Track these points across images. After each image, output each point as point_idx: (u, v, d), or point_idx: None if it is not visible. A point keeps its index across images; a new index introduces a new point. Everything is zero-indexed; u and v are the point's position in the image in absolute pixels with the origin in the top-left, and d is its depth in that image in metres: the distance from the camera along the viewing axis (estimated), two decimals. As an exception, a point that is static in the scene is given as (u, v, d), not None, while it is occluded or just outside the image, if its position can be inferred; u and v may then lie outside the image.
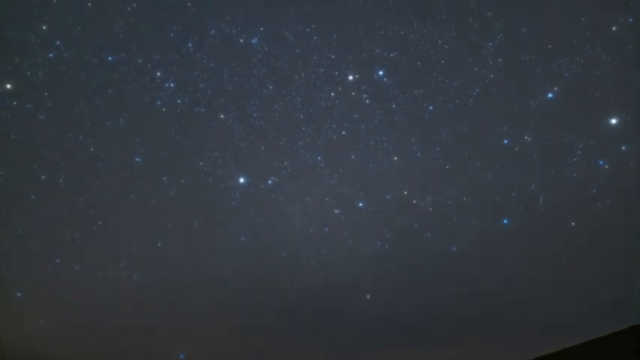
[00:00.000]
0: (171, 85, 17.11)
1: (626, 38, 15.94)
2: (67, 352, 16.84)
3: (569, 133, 17.04)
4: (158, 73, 17.00)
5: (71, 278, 17.41)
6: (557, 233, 17.23)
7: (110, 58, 16.83)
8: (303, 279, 18.09)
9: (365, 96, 17.22)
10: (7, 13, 16.16)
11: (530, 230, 17.51)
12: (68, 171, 17.46)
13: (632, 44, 15.91)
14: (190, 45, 16.82)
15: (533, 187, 17.50)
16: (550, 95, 16.67)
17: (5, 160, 17.22)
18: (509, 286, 17.32)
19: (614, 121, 16.26)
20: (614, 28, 15.93)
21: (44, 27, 16.32)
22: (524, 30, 16.37)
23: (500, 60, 16.61)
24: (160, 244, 17.94)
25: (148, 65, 16.92)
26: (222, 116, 17.47)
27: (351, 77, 17.03)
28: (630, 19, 15.79)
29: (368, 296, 18.02)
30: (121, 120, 17.36)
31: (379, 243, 18.14)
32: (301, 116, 17.53)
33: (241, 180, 17.83)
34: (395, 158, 17.80)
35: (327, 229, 18.15)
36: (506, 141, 17.18)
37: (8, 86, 16.60)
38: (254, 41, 16.81)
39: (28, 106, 16.87)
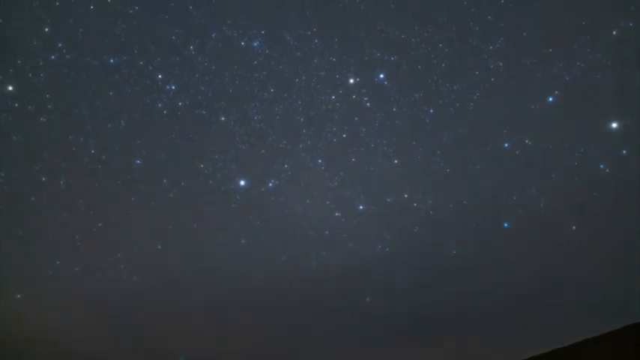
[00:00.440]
0: (173, 87, 17.32)
1: (627, 42, 16.13)
2: (66, 352, 17.01)
3: (570, 137, 17.22)
4: (159, 76, 17.22)
5: (71, 280, 17.62)
6: (558, 237, 17.38)
7: (112, 61, 17.06)
8: (303, 281, 18.26)
9: (366, 99, 17.42)
10: (9, 14, 16.38)
11: (530, 234, 17.68)
12: (69, 173, 17.66)
13: (632, 48, 16.10)
14: (192, 48, 17.03)
15: (533, 190, 17.67)
16: (551, 99, 16.84)
17: (5, 161, 17.42)
18: (510, 289, 17.46)
19: (614, 125, 16.40)
20: (614, 32, 16.11)
21: (46, 29, 16.55)
22: (524, 34, 16.58)
23: (501, 63, 16.82)
24: (159, 246, 18.14)
25: (150, 68, 17.14)
26: (223, 119, 17.68)
27: (351, 80, 17.22)
28: (631, 24, 15.98)
29: (368, 299, 18.21)
30: (122, 122, 17.58)
31: (380, 246, 18.31)
32: (302, 119, 17.72)
33: (242, 182, 18.01)
34: (395, 161, 17.97)
35: (327, 232, 18.32)
36: (506, 144, 17.36)
37: (10, 88, 16.82)
38: (255, 44, 17.04)
39: (29, 107, 17.09)
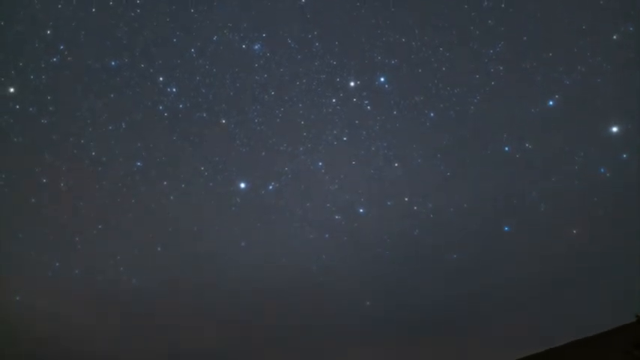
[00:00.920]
0: (174, 90, 17.58)
1: (627, 46, 16.33)
2: (66, 352, 17.23)
3: (570, 141, 17.41)
4: (160, 78, 17.48)
5: (71, 281, 17.85)
6: (558, 241, 17.56)
7: (113, 63, 17.32)
8: (303, 285, 18.48)
9: (366, 102, 17.64)
10: (11, 17, 16.66)
11: (531, 237, 17.85)
12: (69, 175, 17.90)
13: (632, 52, 16.30)
14: (193, 50, 17.31)
15: (534, 194, 17.85)
16: (551, 103, 17.02)
17: (7, 163, 17.67)
18: (510, 292, 17.65)
19: (614, 129, 16.52)
20: (614, 37, 16.30)
21: (48, 32, 16.83)
22: (525, 38, 16.80)
23: (501, 67, 17.02)
24: (159, 249, 18.34)
25: (151, 70, 17.41)
26: (223, 121, 17.92)
27: (352, 83, 17.45)
28: (631, 28, 16.17)
29: (368, 303, 18.39)
30: (123, 124, 17.81)
31: (379, 249, 18.51)
32: (302, 122, 17.95)
33: (242, 185, 18.20)
34: (396, 164, 18.18)
35: (327, 235, 18.51)
36: (507, 148, 17.54)
37: (11, 90, 17.09)
38: (256, 47, 17.31)
39: (30, 109, 17.34)
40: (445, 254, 18.16)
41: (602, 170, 17.03)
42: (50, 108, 17.40)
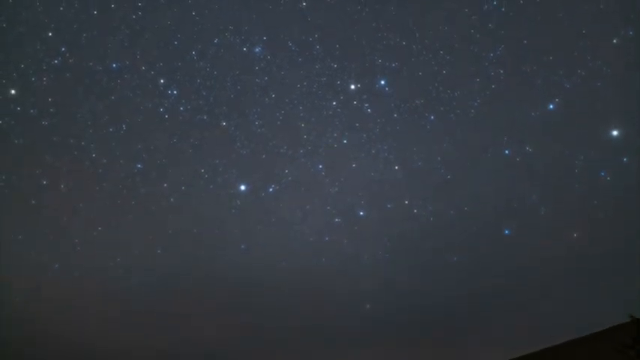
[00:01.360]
0: (174, 92, 17.80)
1: (627, 50, 16.56)
2: (64, 355, 17.41)
3: (571, 144, 17.62)
4: (161, 81, 17.71)
5: (70, 283, 18.03)
6: (559, 244, 17.75)
7: (114, 65, 17.56)
8: (303, 287, 18.66)
9: (366, 105, 17.87)
10: (13, 19, 16.90)
11: (531, 241, 18.05)
12: (69, 176, 18.07)
13: (632, 56, 16.52)
14: (194, 53, 17.55)
15: (534, 197, 18.06)
16: (551, 106, 17.24)
17: (7, 164, 17.86)
18: (510, 296, 17.83)
19: (615, 132, 16.73)
20: (614, 41, 16.52)
21: (50, 34, 17.05)
22: (525, 41, 17.04)
23: (502, 71, 17.28)
24: (159, 251, 18.52)
25: (152, 72, 17.64)
26: (224, 124, 18.14)
27: (352, 86, 17.71)
28: (630, 32, 16.38)
29: (368, 306, 18.56)
30: (124, 126, 18.02)
31: (380, 252, 18.68)
32: (303, 125, 18.17)
33: (242, 187, 18.40)
34: (396, 167, 18.40)
35: (327, 238, 18.68)
36: (507, 151, 17.76)
37: (12, 91, 17.29)
38: (257, 50, 17.56)
39: (31, 111, 17.54)
40: (445, 257, 18.36)
41: (602, 174, 17.21)
42: (51, 110, 17.59)
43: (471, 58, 17.26)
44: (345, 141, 18.25)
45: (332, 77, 17.65)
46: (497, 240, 18.07)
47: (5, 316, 17.43)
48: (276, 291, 18.61)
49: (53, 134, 17.82)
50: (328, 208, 18.59)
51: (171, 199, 18.38)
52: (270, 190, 18.45)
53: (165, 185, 18.40)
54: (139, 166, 18.21)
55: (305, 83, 17.79)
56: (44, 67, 17.27)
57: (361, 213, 18.59)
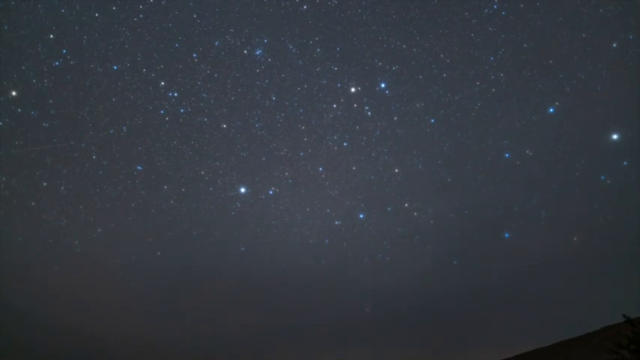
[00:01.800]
0: (175, 94, 18.00)
1: (627, 54, 16.76)
2: (63, 356, 17.58)
3: (571, 148, 17.79)
4: (162, 83, 17.91)
5: (70, 285, 18.21)
6: (558, 248, 17.93)
7: (115, 67, 17.77)
8: (303, 290, 18.84)
9: (367, 108, 18.05)
10: (15, 21, 17.12)
11: (531, 244, 18.24)
12: (69, 178, 18.25)
13: (632, 60, 16.72)
14: (195, 55, 17.75)
15: (534, 201, 18.23)
16: (551, 110, 17.41)
17: (7, 166, 18.05)
18: (509, 298, 18.04)
19: (615, 136, 16.86)
20: (614, 45, 16.71)
21: (51, 36, 17.25)
22: (525, 45, 17.21)
23: (502, 74, 17.42)
24: (159, 253, 18.69)
25: (152, 75, 17.83)
26: (224, 126, 18.34)
27: (353, 89, 17.88)
28: (630, 36, 16.57)
29: (367, 309, 18.74)
30: (124, 128, 18.22)
31: (380, 255, 18.84)
32: (303, 127, 18.37)
33: (242, 190, 18.59)
34: (396, 170, 18.58)
35: (327, 241, 18.87)
36: (507, 155, 17.93)
37: (14, 93, 17.49)
38: (258, 53, 17.78)
39: (32, 113, 17.73)
40: (445, 260, 18.55)
41: (602, 178, 17.35)
42: (51, 112, 17.78)
43: (471, 62, 17.43)
44: (345, 144, 18.46)
45: (332, 80, 17.87)
46: (497, 243, 18.25)
47: (4, 315, 17.61)
48: (275, 292, 18.80)
49: (53, 136, 18.05)
50: (328, 210, 18.79)
51: (171, 201, 18.60)
52: (270, 192, 18.64)
53: (165, 187, 18.60)
54: (139, 168, 18.42)
55: (305, 86, 18.00)
56: (45, 69, 17.48)
57: (361, 216, 18.81)
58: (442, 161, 18.41)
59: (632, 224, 16.99)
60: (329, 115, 18.05)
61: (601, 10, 16.57)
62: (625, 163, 16.99)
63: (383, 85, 17.81)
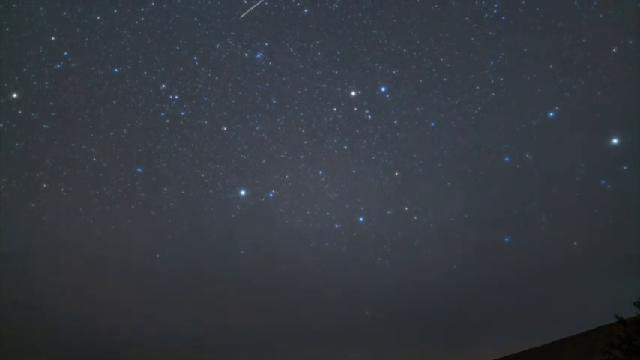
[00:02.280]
0: (175, 97, 18.26)
1: (626, 59, 16.99)
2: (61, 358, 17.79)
3: (571, 152, 18.00)
4: (163, 85, 18.15)
5: (70, 286, 18.42)
6: (558, 252, 18.12)
7: (116, 70, 18.06)
8: (303, 291, 19.03)
9: (367, 111, 18.26)
10: (17, 23, 17.40)
11: (531, 249, 18.41)
12: (69, 180, 18.44)
13: (632, 65, 16.95)
14: (195, 58, 18.03)
15: (534, 205, 18.44)
16: (551, 114, 17.58)
17: (7, 168, 18.28)
18: (510, 302, 18.22)
19: (615, 141, 16.98)
20: (614, 50, 16.93)
21: (53, 38, 17.55)
22: (525, 50, 17.47)
23: (502, 79, 17.64)
24: (158, 255, 18.90)
25: (153, 77, 18.09)
26: (224, 129, 18.58)
27: (353, 93, 18.13)
28: (630, 41, 16.80)
29: (367, 312, 18.92)
30: (124, 130, 18.44)
31: (379, 258, 18.97)
32: (303, 130, 18.59)
33: (242, 192, 18.76)
34: (396, 174, 18.76)
35: (327, 244, 18.98)
36: (507, 159, 18.11)
37: (14, 95, 17.75)
38: (258, 56, 18.05)
39: (32, 115, 17.98)
40: (445, 264, 18.72)
41: (602, 182, 17.50)
42: (52, 114, 18.02)
43: (471, 66, 17.65)
44: (345, 147, 18.67)
45: (333, 83, 18.08)
46: (497, 247, 18.43)
47: (4, 320, 17.81)
48: (275, 295, 18.98)
49: (54, 138, 18.28)
50: (328, 214, 18.94)
51: (171, 204, 18.80)
52: (270, 195, 18.82)
53: (165, 190, 18.80)
54: (139, 170, 18.61)
55: (306, 89, 18.23)
56: (46, 72, 17.75)
57: (361, 219, 18.94)
58: (442, 165, 18.61)
59: (632, 228, 17.14)
60: (329, 118, 18.31)
61: (601, 15, 16.84)
62: (625, 167, 17.14)
63: (383, 89, 18.07)
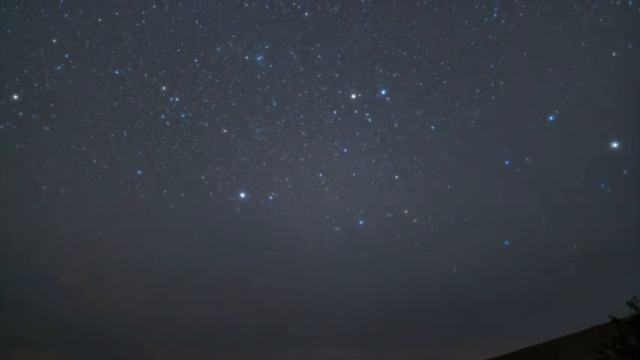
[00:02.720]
0: (176, 99, 18.42)
1: (626, 63, 17.18)
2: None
3: (571, 156, 18.19)
4: (163, 88, 18.30)
5: (69, 287, 18.57)
6: (558, 255, 18.28)
7: (117, 72, 18.21)
8: (303, 293, 19.17)
9: (367, 114, 18.44)
10: (18, 25, 17.59)
11: (531, 252, 18.57)
12: (69, 182, 18.57)
13: (631, 69, 17.14)
14: (196, 61, 18.19)
15: (534, 208, 18.62)
16: (551, 118, 17.73)
17: (7, 169, 18.45)
18: (509, 304, 18.39)
19: (615, 144, 17.13)
20: (614, 54, 17.12)
21: (54, 40, 17.71)
22: (525, 53, 17.67)
23: (502, 82, 17.82)
24: (158, 257, 19.08)
25: (154, 79, 18.23)
26: (224, 131, 18.72)
27: (353, 96, 18.27)
28: (630, 45, 16.99)
29: (367, 314, 19.07)
30: (125, 132, 18.60)
31: (379, 261, 19.18)
32: (303, 133, 18.76)
33: (242, 195, 18.88)
34: (396, 177, 18.92)
35: (327, 247, 19.16)
36: (507, 162, 18.25)
37: (15, 97, 17.91)
38: (259, 59, 18.24)
39: (33, 116, 18.12)
40: (445, 267, 18.87)
41: (602, 186, 17.66)
42: (53, 115, 18.17)
43: (471, 70, 17.82)
44: (345, 150, 18.82)
45: (333, 86, 18.24)
46: (497, 250, 18.56)
47: (3, 321, 17.97)
48: (275, 296, 19.13)
49: (54, 140, 18.44)
50: (328, 216, 19.08)
51: (171, 206, 18.90)
52: (270, 198, 18.94)
53: (165, 192, 18.90)
54: (139, 172, 18.75)
55: (306, 92, 18.39)
56: (47, 73, 17.91)
57: (361, 222, 19.05)
58: (442, 168, 18.78)
59: (631, 232, 17.28)
60: (329, 120, 18.49)
61: (600, 20, 17.02)
62: (625, 171, 17.30)
63: (383, 92, 18.24)
